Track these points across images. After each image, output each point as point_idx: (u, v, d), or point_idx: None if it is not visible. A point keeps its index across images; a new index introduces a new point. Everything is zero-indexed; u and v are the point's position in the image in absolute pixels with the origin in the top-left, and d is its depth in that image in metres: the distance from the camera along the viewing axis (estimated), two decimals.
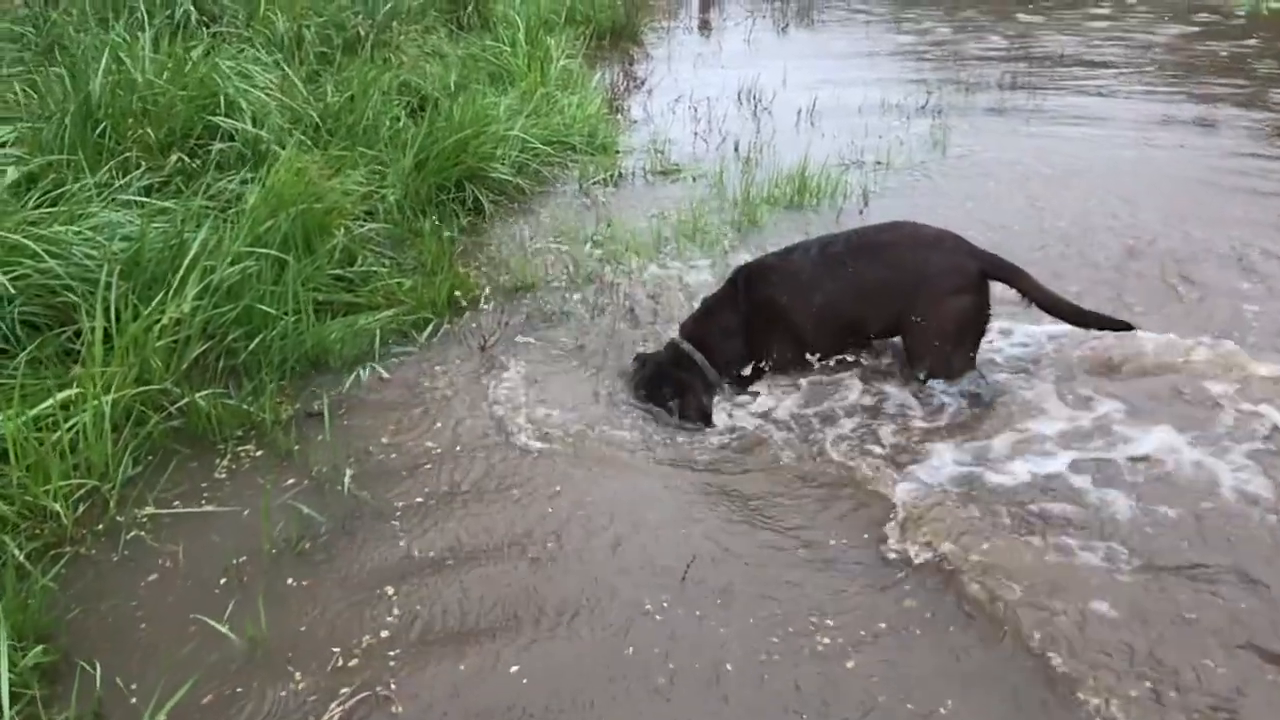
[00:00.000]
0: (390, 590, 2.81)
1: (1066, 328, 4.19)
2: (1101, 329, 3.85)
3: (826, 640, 2.66)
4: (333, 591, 2.82)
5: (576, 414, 3.78)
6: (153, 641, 2.65)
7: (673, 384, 3.87)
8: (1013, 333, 4.26)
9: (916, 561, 2.95)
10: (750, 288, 3.97)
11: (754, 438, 3.66)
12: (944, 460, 3.46)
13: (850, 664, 2.59)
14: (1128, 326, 3.81)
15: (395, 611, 2.72)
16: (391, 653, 2.58)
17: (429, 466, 3.42)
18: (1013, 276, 3.86)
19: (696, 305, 4.21)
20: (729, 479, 3.41)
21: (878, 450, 3.54)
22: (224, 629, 2.66)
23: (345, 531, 3.09)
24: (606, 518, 3.17)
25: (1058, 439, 3.59)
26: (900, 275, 3.82)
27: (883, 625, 2.72)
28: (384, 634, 2.65)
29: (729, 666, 2.57)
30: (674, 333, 4.11)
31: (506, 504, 3.22)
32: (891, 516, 3.15)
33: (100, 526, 3.10)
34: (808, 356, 3.97)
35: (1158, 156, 6.80)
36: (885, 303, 3.84)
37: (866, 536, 3.09)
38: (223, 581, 2.88)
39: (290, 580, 2.87)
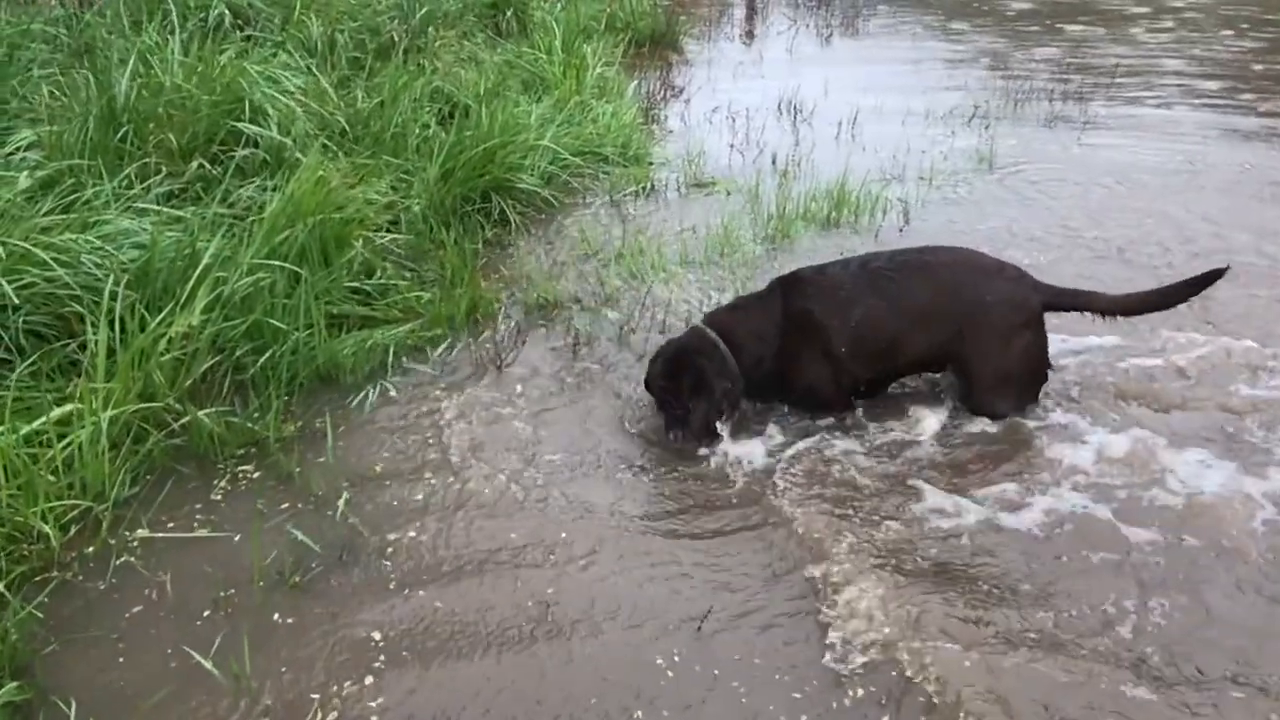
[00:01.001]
0: (377, 635, 2.64)
1: (1096, 342, 4.02)
2: (1201, 289, 3.62)
3: None
4: (319, 631, 2.66)
5: (586, 453, 3.55)
6: (131, 681, 2.51)
7: (693, 375, 3.56)
8: None
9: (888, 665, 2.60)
10: (786, 299, 3.70)
11: (751, 484, 3.39)
12: (959, 504, 3.23)
13: None
14: (1218, 273, 3.58)
15: (381, 659, 2.55)
16: (373, 703, 2.42)
17: (422, 499, 3.25)
18: (1083, 302, 3.67)
19: None
20: (723, 541, 3.10)
21: (883, 494, 3.30)
22: (208, 664, 2.52)
23: (337, 565, 2.93)
24: (609, 574, 2.93)
25: (1083, 473, 3.38)
26: (954, 302, 3.58)
27: None
28: (368, 680, 2.48)
29: None
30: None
31: (503, 549, 3.02)
32: (883, 595, 2.81)
33: (90, 550, 2.97)
34: (836, 386, 3.69)
35: (1218, 173, 6.48)
36: (933, 328, 3.59)
37: (849, 615, 2.77)
38: (207, 614, 2.73)
39: (277, 616, 2.72)
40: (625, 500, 3.29)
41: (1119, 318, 3.74)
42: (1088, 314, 3.73)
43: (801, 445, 3.57)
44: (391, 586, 2.83)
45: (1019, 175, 6.45)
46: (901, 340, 3.62)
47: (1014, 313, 3.56)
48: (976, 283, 3.59)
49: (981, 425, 3.65)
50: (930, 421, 3.68)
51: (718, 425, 3.63)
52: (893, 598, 2.80)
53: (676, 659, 2.59)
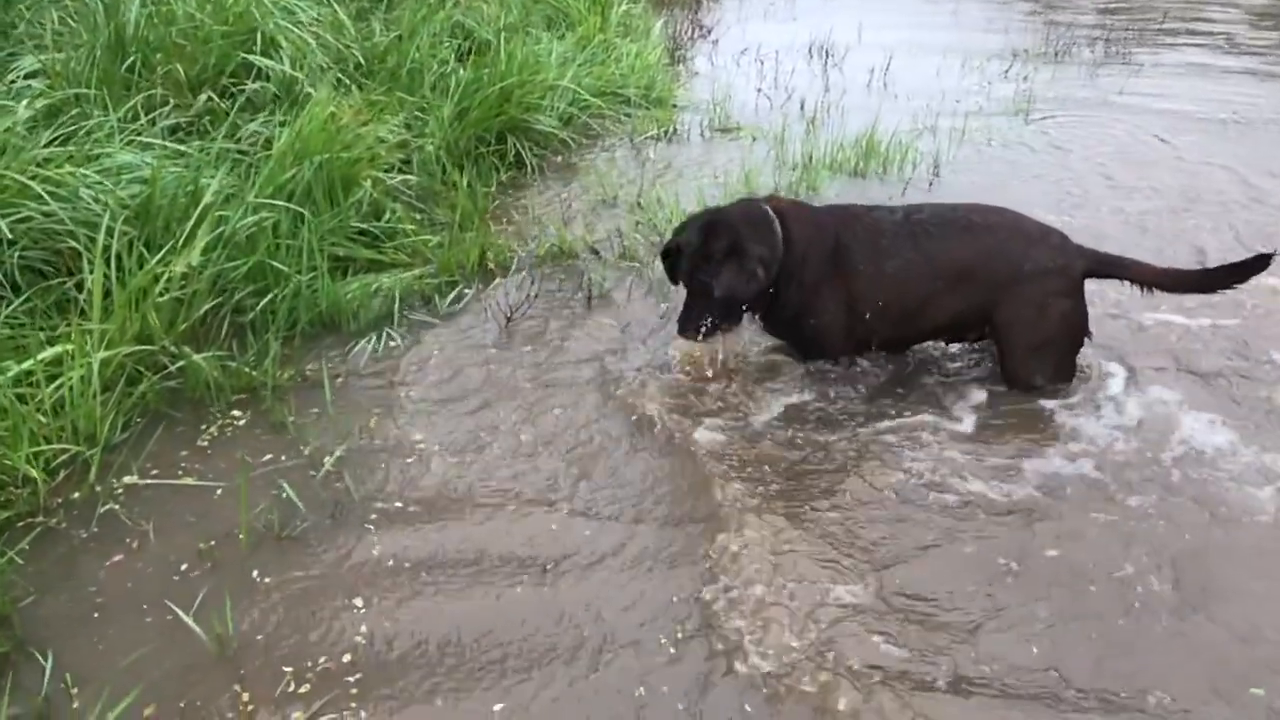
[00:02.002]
0: (359, 604, 2.52)
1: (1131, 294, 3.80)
2: (1244, 279, 3.37)
3: None
4: (300, 594, 2.56)
5: (587, 417, 3.36)
6: (109, 636, 2.42)
7: (730, 241, 3.32)
8: None
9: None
10: (837, 227, 3.48)
11: (731, 464, 3.15)
12: (947, 476, 3.07)
13: None
14: (1265, 259, 3.32)
15: (363, 629, 2.44)
16: (350, 679, 2.30)
17: (414, 459, 3.11)
18: (1126, 270, 3.47)
19: None
20: (694, 522, 2.89)
21: (866, 471, 3.11)
22: (189, 620, 2.43)
23: (325, 523, 2.82)
24: (602, 551, 2.76)
25: (1092, 443, 3.24)
26: (993, 267, 3.39)
27: None
28: (345, 658, 2.36)
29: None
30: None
31: (492, 523, 2.85)
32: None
33: (76, 495, 2.88)
34: (847, 337, 3.53)
35: (1271, 126, 6.20)
36: (966, 291, 3.41)
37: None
38: (190, 569, 2.63)
39: (256, 574, 2.61)
40: (620, 466, 3.13)
41: (1158, 292, 3.53)
42: (1127, 283, 3.52)
43: (781, 427, 3.35)
44: (375, 552, 2.72)
45: (1055, 131, 6.21)
46: (932, 302, 3.44)
47: (1054, 280, 3.38)
48: (1017, 248, 3.41)
49: (985, 390, 3.50)
50: (931, 391, 3.55)
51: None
52: (864, 586, 2.64)
53: (673, 649, 2.49)
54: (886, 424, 3.34)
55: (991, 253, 3.41)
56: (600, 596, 2.59)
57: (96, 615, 2.48)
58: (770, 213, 3.45)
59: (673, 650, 2.43)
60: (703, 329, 3.44)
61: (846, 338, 3.54)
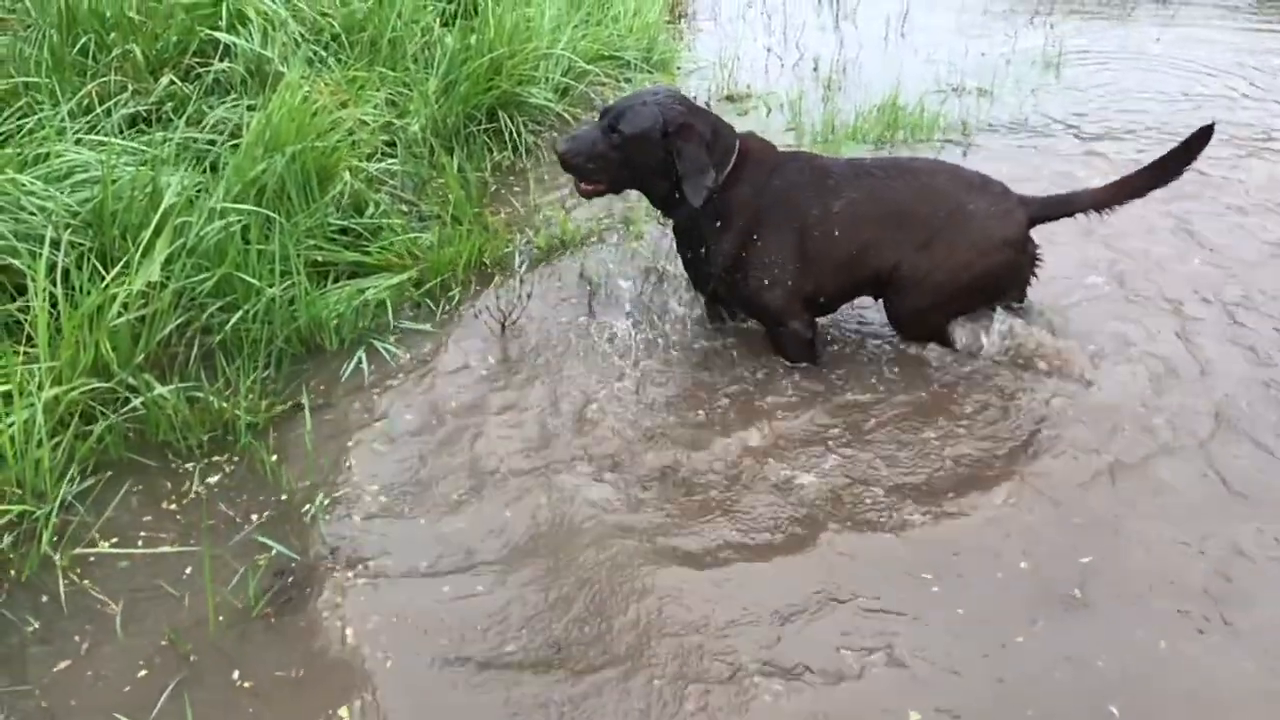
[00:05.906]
0: (344, 715, 2.15)
1: None
2: (1194, 156, 3.19)
3: None
4: (274, 696, 2.17)
5: (597, 438, 2.98)
6: None
7: (680, 121, 3.13)
8: None
9: None
10: (784, 166, 3.32)
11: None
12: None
13: None
14: (1208, 130, 3.15)
15: None
16: None
17: (415, 501, 2.73)
18: (1069, 205, 3.30)
19: None
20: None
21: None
22: None
23: (313, 590, 2.44)
24: (624, 606, 2.41)
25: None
26: (932, 207, 3.23)
27: None
28: None
29: None
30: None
31: (506, 589, 2.47)
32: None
33: (26, 566, 2.50)
34: (789, 288, 3.27)
35: None
36: (904, 236, 3.23)
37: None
38: (145, 664, 2.25)
39: (237, 674, 2.22)
40: (638, 506, 2.75)
41: (1114, 208, 3.33)
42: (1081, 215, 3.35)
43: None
44: (372, 625, 2.32)
45: (1090, 86, 5.75)
46: (874, 246, 3.25)
47: (997, 226, 3.23)
48: (959, 194, 3.25)
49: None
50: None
51: None
52: None
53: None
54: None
55: (932, 195, 3.26)
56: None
57: None
58: (725, 125, 3.33)
59: None
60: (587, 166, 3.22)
61: (789, 289, 3.29)
